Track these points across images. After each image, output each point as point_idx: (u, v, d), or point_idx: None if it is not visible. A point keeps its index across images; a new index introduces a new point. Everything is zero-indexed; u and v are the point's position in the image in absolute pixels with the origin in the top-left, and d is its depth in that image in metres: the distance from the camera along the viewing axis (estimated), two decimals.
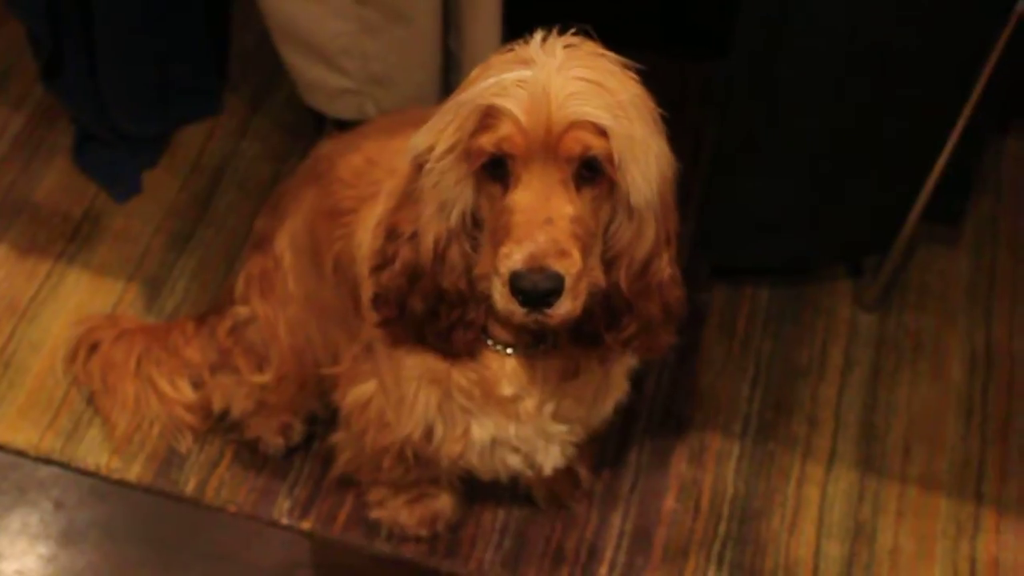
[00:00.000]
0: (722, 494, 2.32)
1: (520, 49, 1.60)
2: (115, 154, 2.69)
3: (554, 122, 1.53)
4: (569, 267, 1.55)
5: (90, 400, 2.39)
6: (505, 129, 1.54)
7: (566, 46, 1.59)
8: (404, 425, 1.90)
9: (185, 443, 2.36)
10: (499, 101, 1.54)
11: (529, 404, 1.85)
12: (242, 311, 2.23)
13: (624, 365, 1.94)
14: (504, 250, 1.56)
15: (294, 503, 2.28)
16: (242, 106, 2.82)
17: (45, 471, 2.35)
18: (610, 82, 1.57)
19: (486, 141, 1.56)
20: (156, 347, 2.34)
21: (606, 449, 2.36)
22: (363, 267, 1.86)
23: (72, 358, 2.38)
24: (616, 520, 2.29)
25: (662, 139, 1.62)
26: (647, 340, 1.78)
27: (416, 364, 1.84)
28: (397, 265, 1.71)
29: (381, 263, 1.74)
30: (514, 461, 1.96)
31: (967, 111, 2.15)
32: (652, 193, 1.61)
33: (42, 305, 2.54)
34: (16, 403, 2.40)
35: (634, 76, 1.61)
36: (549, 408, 1.86)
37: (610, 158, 1.56)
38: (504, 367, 1.80)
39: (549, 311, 1.57)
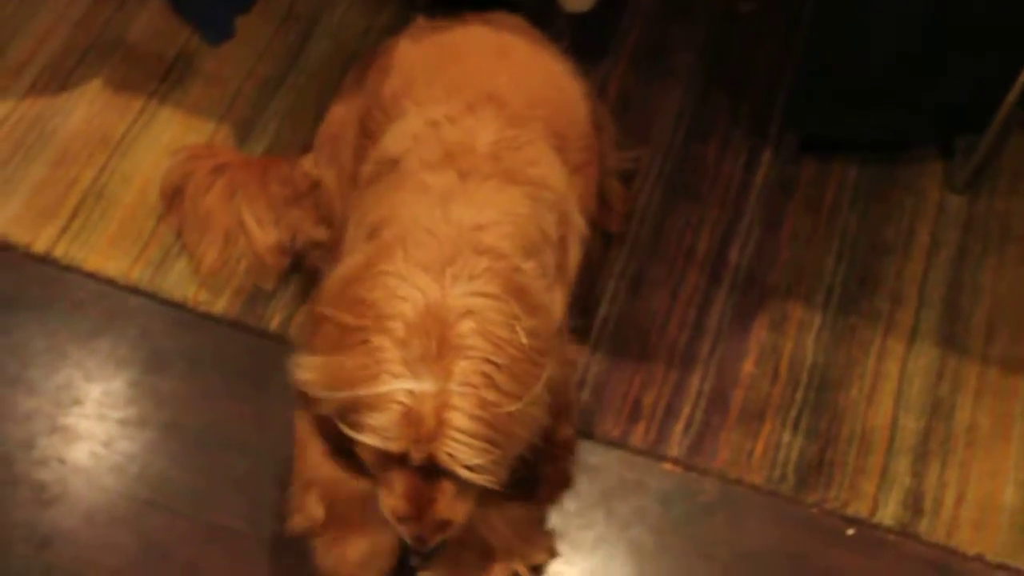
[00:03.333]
0: (801, 362, 2.32)
1: (409, 354, 1.57)
2: None
3: (435, 454, 1.56)
4: (457, 527, 1.65)
5: (179, 233, 2.41)
6: (382, 443, 1.58)
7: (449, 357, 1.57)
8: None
9: (270, 282, 2.37)
10: (383, 418, 1.55)
11: None
12: (312, 170, 2.25)
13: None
14: (385, 502, 1.65)
15: None
16: None
17: (133, 300, 2.38)
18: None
19: (367, 442, 1.59)
20: (251, 183, 2.35)
21: (687, 312, 2.37)
22: None
23: (167, 186, 2.40)
24: (694, 381, 2.30)
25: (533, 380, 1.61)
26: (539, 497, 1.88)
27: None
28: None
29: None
30: None
31: None
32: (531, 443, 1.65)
33: (134, 140, 2.56)
34: (107, 233, 2.43)
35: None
36: None
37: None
38: None
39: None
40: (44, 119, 2.58)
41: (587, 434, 2.24)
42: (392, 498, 1.63)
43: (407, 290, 1.60)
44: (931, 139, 2.56)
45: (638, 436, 2.23)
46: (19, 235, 2.42)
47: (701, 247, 2.45)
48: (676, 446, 2.22)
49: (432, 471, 1.58)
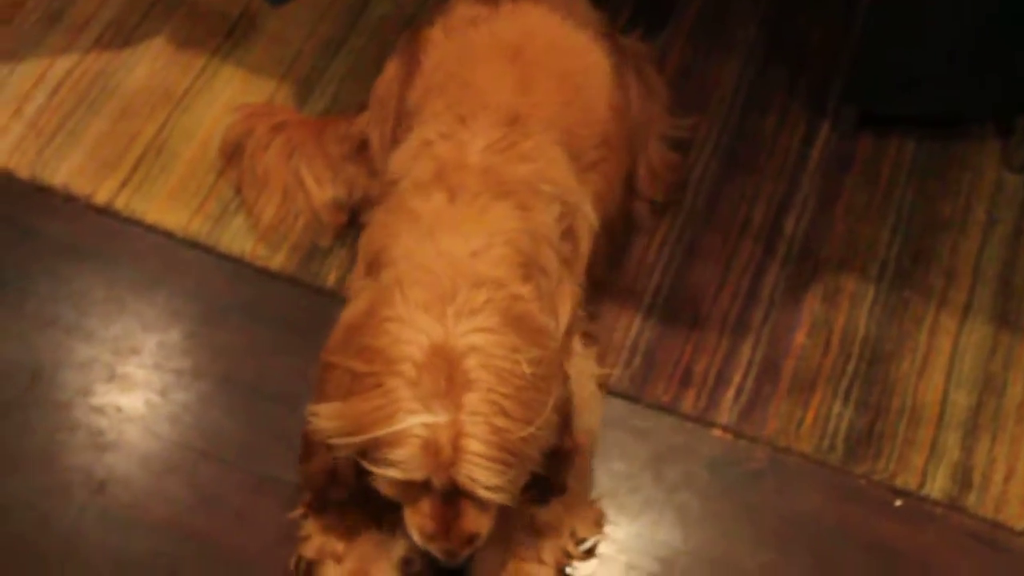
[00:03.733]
0: (853, 334, 2.33)
1: (422, 391, 1.65)
2: None
3: (457, 479, 1.67)
4: (482, 539, 1.76)
5: (238, 189, 2.44)
6: (405, 474, 1.67)
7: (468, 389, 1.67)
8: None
9: (327, 239, 2.39)
10: (402, 452, 1.65)
11: None
12: (365, 128, 2.28)
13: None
14: (412, 523, 1.76)
15: None
16: None
17: (191, 253, 2.41)
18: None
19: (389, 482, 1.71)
20: (309, 142, 2.37)
21: (740, 281, 2.37)
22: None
23: (226, 143, 2.42)
24: (746, 350, 2.31)
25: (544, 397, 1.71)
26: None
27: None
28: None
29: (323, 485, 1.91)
30: None
31: None
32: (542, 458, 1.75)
33: (196, 96, 2.58)
34: (167, 187, 2.46)
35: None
36: None
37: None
38: None
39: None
40: (108, 74, 2.61)
41: (636, 399, 2.25)
42: (419, 518, 1.74)
43: (411, 334, 1.67)
44: (990, 117, 2.56)
45: (688, 402, 2.24)
46: (81, 186, 2.45)
47: (756, 218, 2.45)
48: (726, 413, 2.23)
49: (454, 494, 1.69)
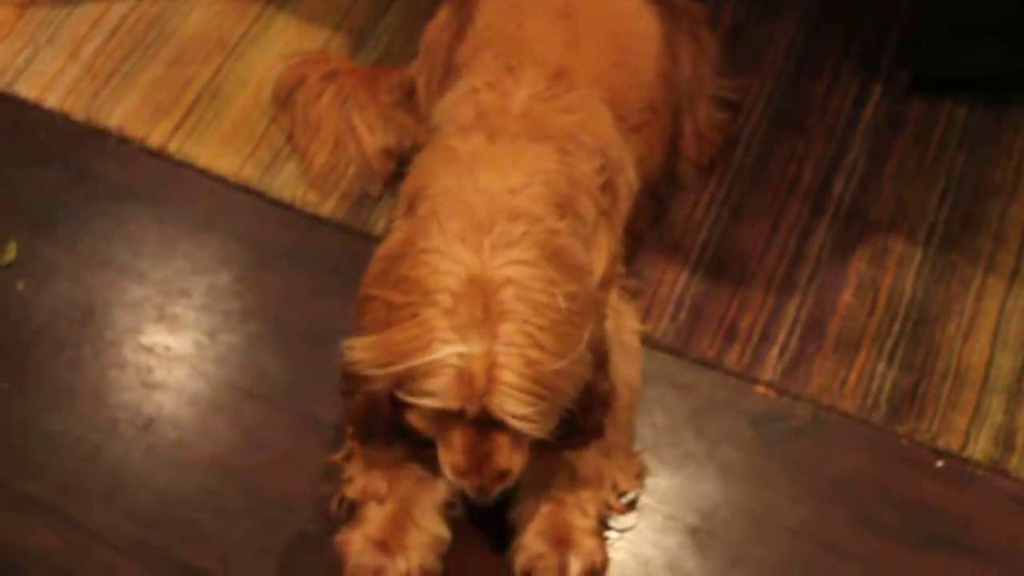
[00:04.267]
0: (900, 295, 2.32)
1: (457, 319, 1.65)
2: None
3: (488, 407, 1.66)
4: (514, 476, 1.76)
5: (290, 136, 2.46)
6: (440, 403, 1.67)
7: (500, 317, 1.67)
8: None
9: (376, 187, 2.41)
10: (435, 383, 1.66)
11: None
12: (415, 74, 2.29)
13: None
14: (445, 460, 1.76)
15: None
16: None
17: (242, 198, 2.43)
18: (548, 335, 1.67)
19: (419, 416, 1.73)
20: (361, 90, 2.39)
21: (788, 241, 2.37)
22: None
23: (279, 90, 2.44)
24: (791, 308, 2.31)
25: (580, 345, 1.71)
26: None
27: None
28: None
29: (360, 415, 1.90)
30: None
31: None
32: (576, 395, 1.74)
33: (250, 44, 2.60)
34: (220, 132, 2.48)
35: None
36: None
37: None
38: None
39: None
40: (163, 19, 2.63)
41: (680, 353, 2.26)
42: (452, 454, 1.73)
43: (448, 264, 1.67)
44: None
45: (732, 358, 2.25)
46: (135, 129, 2.48)
47: (805, 178, 2.45)
48: (770, 370, 2.24)
49: (486, 426, 1.68)
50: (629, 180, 2.05)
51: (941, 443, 2.17)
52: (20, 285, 2.33)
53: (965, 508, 2.13)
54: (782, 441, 2.19)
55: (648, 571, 2.08)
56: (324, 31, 2.62)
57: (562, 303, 1.66)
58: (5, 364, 2.24)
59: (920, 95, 2.55)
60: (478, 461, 1.72)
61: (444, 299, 1.64)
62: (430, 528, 2.01)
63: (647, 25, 2.16)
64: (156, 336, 2.27)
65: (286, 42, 2.60)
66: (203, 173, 2.44)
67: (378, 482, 2.00)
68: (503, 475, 1.75)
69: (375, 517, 1.99)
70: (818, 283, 2.34)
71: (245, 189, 2.42)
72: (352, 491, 2.02)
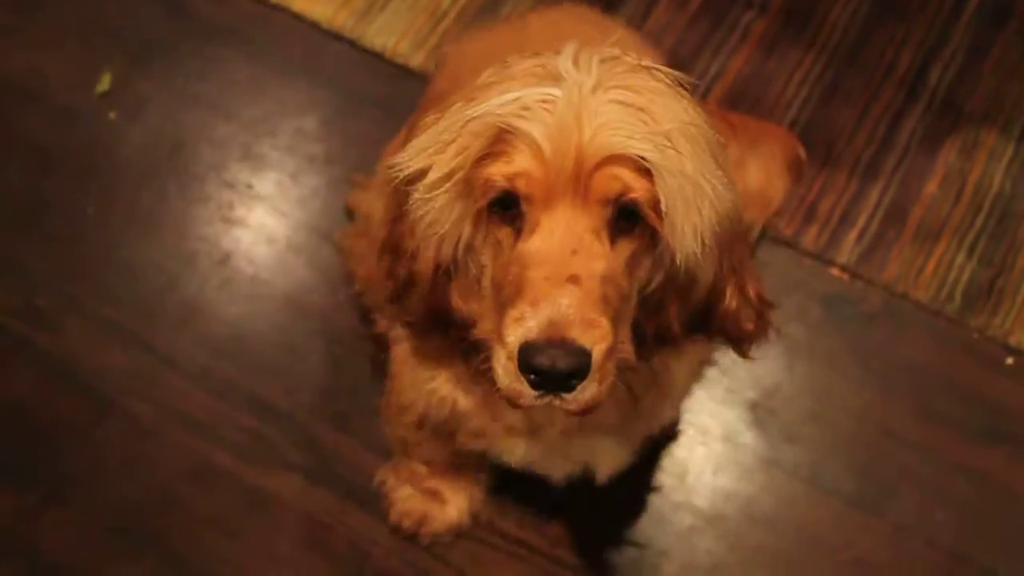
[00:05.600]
0: (986, 189, 2.29)
1: (547, 58, 1.29)
2: None
3: (585, 155, 1.22)
4: (597, 340, 1.23)
5: None
6: (522, 160, 1.24)
7: (603, 60, 1.28)
8: (417, 412, 1.70)
9: None
10: (517, 123, 1.23)
11: (543, 435, 1.60)
12: None
13: (668, 388, 1.62)
14: (513, 313, 1.24)
15: None
16: None
17: (335, 45, 2.45)
18: (656, 106, 1.25)
19: (497, 173, 1.25)
20: None
21: (877, 126, 2.34)
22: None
23: None
24: (874, 193, 2.29)
25: (722, 175, 1.29)
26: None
27: (423, 379, 1.60)
28: (421, 286, 1.41)
29: (397, 290, 1.45)
30: (556, 468, 1.73)
31: None
32: (704, 245, 1.28)
33: None
34: None
35: (688, 96, 1.31)
36: (566, 436, 1.60)
37: (654, 204, 1.24)
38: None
39: (568, 396, 1.25)
40: None
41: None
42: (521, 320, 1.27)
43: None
44: None
45: (810, 238, 2.23)
46: None
47: (901, 65, 2.42)
48: (847, 253, 2.22)
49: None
50: None
51: (1013, 340, 2.16)
52: (112, 115, 2.37)
53: None
54: (852, 325, 2.18)
55: (704, 440, 2.09)
56: None
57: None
58: (92, 191, 2.29)
59: None
60: (564, 280, 1.25)
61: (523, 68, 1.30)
62: (476, 474, 1.99)
63: None
64: (239, 174, 2.31)
65: None
66: (297, 17, 2.45)
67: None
68: (581, 354, 1.24)
69: (422, 461, 1.95)
70: (904, 170, 2.31)
71: (337, 36, 2.44)
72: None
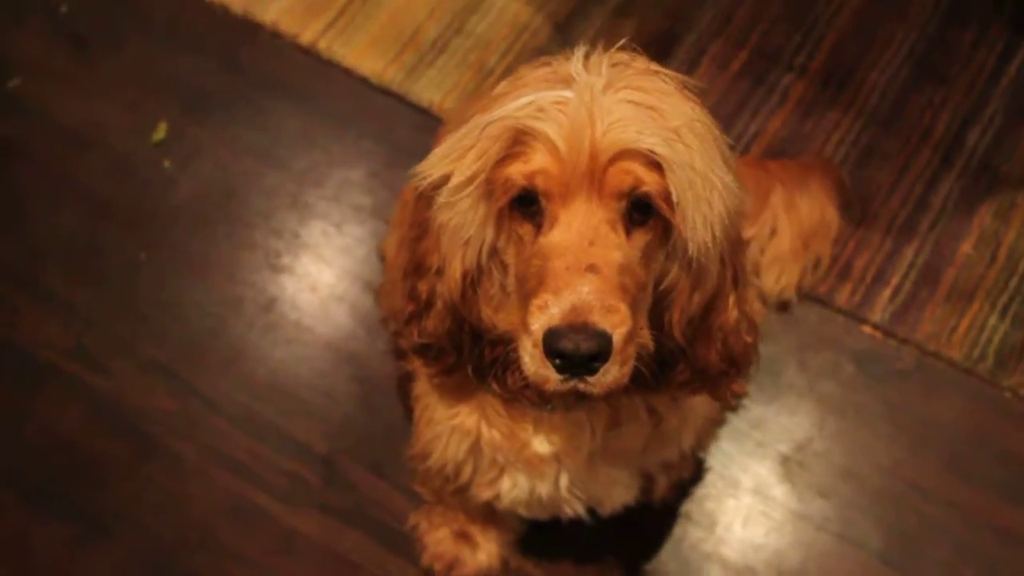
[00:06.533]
0: (1021, 252, 2.32)
1: (558, 65, 1.36)
2: None
3: (599, 151, 1.29)
4: (617, 324, 1.29)
5: (435, 41, 2.52)
6: (539, 159, 1.30)
7: (614, 64, 1.35)
8: (435, 458, 1.74)
9: None
10: (533, 123, 1.29)
11: (568, 463, 1.64)
12: None
13: (688, 412, 1.68)
14: (537, 302, 1.30)
15: None
16: None
17: (383, 100, 2.51)
18: (665, 105, 1.32)
19: (516, 172, 1.31)
20: None
21: (914, 187, 2.37)
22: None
23: None
24: (909, 252, 2.32)
25: (728, 170, 1.35)
26: (704, 387, 1.51)
27: (446, 416, 1.65)
28: (439, 305, 1.46)
29: (417, 309, 1.49)
30: (565, 508, 1.75)
31: None
32: (715, 237, 1.33)
33: None
34: (369, 33, 2.56)
35: (694, 98, 1.37)
36: (590, 462, 1.65)
37: (666, 196, 1.30)
38: (539, 424, 1.60)
39: (592, 379, 1.31)
40: None
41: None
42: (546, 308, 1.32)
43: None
44: None
45: (843, 296, 2.26)
46: (289, 25, 2.57)
47: (939, 128, 2.45)
48: (880, 312, 2.25)
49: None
50: None
51: None
52: (166, 163, 2.44)
53: None
54: (884, 382, 2.20)
55: (735, 492, 2.12)
56: None
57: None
58: (145, 236, 2.36)
59: None
60: (584, 269, 1.30)
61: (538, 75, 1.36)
62: (509, 521, 2.03)
63: None
64: (287, 223, 2.37)
65: None
66: (348, 73, 2.52)
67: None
68: (601, 336, 1.28)
69: (455, 507, 2.00)
70: (939, 231, 2.34)
71: (386, 91, 2.50)
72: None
